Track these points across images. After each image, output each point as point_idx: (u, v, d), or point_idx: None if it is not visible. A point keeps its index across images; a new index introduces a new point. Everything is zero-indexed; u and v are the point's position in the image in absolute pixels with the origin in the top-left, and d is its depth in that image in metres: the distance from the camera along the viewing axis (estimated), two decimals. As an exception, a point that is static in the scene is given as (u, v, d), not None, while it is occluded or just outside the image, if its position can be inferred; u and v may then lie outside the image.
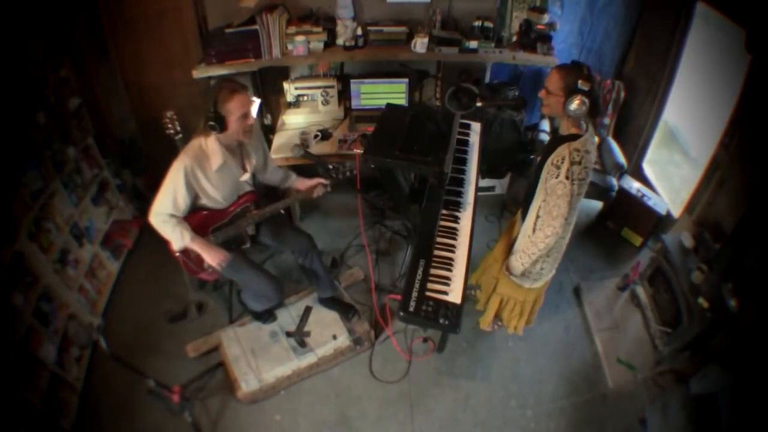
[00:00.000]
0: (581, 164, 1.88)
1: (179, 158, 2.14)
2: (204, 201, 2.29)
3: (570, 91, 1.84)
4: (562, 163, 1.89)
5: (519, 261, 2.18)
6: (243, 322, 2.90)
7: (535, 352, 2.88)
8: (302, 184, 2.58)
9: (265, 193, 2.75)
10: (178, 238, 2.19)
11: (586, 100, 1.83)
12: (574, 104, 1.83)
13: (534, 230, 2.09)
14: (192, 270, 2.47)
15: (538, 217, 2.05)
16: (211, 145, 2.16)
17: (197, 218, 2.30)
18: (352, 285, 3.20)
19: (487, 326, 2.75)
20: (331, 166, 2.52)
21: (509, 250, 2.41)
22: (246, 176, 2.32)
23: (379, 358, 2.83)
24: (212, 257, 2.26)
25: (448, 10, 3.14)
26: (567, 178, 1.88)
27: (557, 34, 3.15)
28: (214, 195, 2.27)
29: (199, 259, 2.38)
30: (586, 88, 1.83)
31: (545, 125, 3.36)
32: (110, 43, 3.25)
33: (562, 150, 1.90)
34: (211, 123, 2.05)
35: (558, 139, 1.99)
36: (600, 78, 3.47)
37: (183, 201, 2.17)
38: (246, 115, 2.09)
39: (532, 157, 2.18)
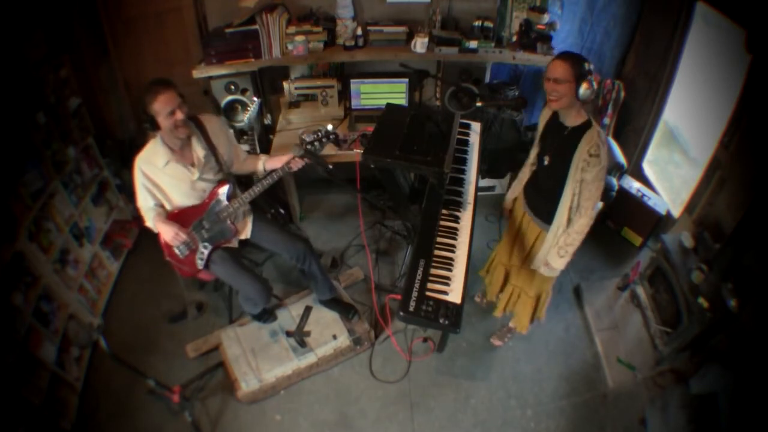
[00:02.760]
0: (605, 145, 1.96)
1: (135, 160, 2.25)
2: (165, 202, 2.36)
3: (579, 76, 1.88)
4: (600, 149, 1.92)
5: (565, 258, 2.19)
6: (243, 321, 2.89)
7: (535, 352, 2.88)
8: (277, 161, 2.54)
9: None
10: (147, 219, 2.36)
11: (594, 82, 1.89)
12: (584, 87, 1.88)
13: (569, 223, 2.12)
14: (184, 272, 2.50)
15: (570, 209, 2.08)
16: (156, 144, 2.24)
17: (173, 217, 2.36)
18: (352, 285, 3.20)
19: (525, 330, 2.75)
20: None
21: (523, 250, 2.43)
22: (196, 174, 2.32)
23: (379, 358, 2.84)
24: (165, 233, 2.31)
25: (448, 10, 3.14)
26: (605, 159, 1.95)
27: (557, 34, 3.15)
28: (172, 194, 2.33)
29: (189, 260, 2.41)
30: (591, 69, 1.89)
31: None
32: (110, 43, 3.25)
33: (592, 137, 1.93)
34: (146, 125, 2.15)
35: (575, 130, 2.00)
36: (600, 78, 3.48)
37: (150, 197, 2.32)
38: (173, 111, 2.11)
39: (544, 157, 2.17)
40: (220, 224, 2.42)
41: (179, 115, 2.13)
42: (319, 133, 2.46)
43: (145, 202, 2.33)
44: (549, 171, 2.16)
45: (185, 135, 2.23)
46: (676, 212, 3.16)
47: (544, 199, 2.23)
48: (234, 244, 2.55)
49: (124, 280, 3.29)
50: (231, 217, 2.45)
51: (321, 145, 2.49)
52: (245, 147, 3.04)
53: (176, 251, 2.38)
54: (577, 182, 2.00)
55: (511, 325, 2.83)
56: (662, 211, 3.23)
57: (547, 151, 2.16)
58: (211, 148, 2.34)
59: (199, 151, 2.32)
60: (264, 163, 2.60)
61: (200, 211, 2.39)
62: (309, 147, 2.45)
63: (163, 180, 2.29)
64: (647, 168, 3.60)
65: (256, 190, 2.43)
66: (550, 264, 2.24)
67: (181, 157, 2.29)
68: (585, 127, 1.97)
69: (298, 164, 2.47)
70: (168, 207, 2.37)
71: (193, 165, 2.31)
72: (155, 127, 2.14)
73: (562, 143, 2.05)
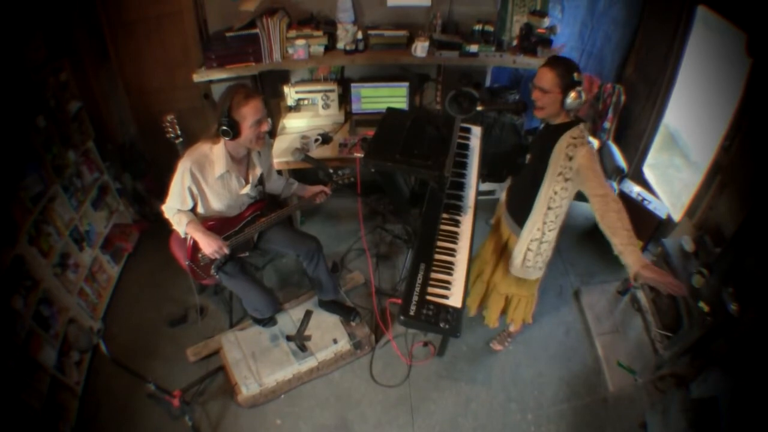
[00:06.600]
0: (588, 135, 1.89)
1: (183, 159, 2.15)
2: (201, 208, 2.29)
3: (567, 86, 1.83)
4: (585, 136, 1.86)
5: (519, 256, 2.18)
6: (243, 326, 2.89)
7: (536, 355, 2.88)
8: (304, 191, 2.60)
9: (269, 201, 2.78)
10: (177, 222, 2.27)
11: (582, 92, 1.83)
12: (572, 97, 1.83)
13: (544, 222, 2.06)
14: (198, 276, 2.49)
15: (549, 208, 2.01)
16: (217, 151, 2.15)
17: (209, 227, 2.31)
18: (352, 289, 3.20)
19: (493, 324, 2.73)
20: (331, 170, 2.53)
21: (502, 252, 2.41)
22: (247, 188, 2.29)
23: (379, 362, 2.83)
24: (208, 245, 2.23)
25: (449, 14, 3.14)
26: (589, 142, 1.85)
27: (557, 38, 3.15)
28: (213, 202, 2.27)
29: (206, 267, 2.40)
30: (581, 79, 1.84)
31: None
32: (110, 47, 3.24)
33: (574, 131, 1.86)
34: (224, 128, 2.03)
35: (558, 127, 1.94)
36: (600, 82, 3.48)
37: (189, 200, 2.22)
38: (260, 121, 2.07)
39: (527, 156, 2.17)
40: (246, 238, 2.42)
41: (265, 127, 2.09)
42: (344, 174, 2.52)
43: (181, 205, 2.24)
44: (528, 168, 2.14)
45: (261, 147, 2.20)
46: (677, 216, 3.15)
47: (518, 199, 2.20)
48: (247, 253, 2.56)
49: (125, 284, 3.28)
50: (256, 233, 2.47)
51: (345, 187, 2.56)
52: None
53: (200, 257, 2.36)
54: (555, 180, 1.93)
55: (484, 314, 2.78)
56: (663, 215, 3.22)
57: (531, 149, 2.15)
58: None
59: (257, 168, 2.30)
60: (293, 190, 2.62)
61: (233, 225, 2.38)
62: (337, 179, 2.53)
63: (210, 187, 2.22)
64: (648, 172, 3.60)
65: (284, 213, 2.45)
66: (513, 262, 2.22)
67: (238, 169, 2.25)
68: (570, 124, 1.91)
69: (322, 198, 2.52)
70: (201, 211, 2.31)
71: (246, 180, 2.29)
72: (236, 133, 2.05)
73: (543, 139, 2.02)
